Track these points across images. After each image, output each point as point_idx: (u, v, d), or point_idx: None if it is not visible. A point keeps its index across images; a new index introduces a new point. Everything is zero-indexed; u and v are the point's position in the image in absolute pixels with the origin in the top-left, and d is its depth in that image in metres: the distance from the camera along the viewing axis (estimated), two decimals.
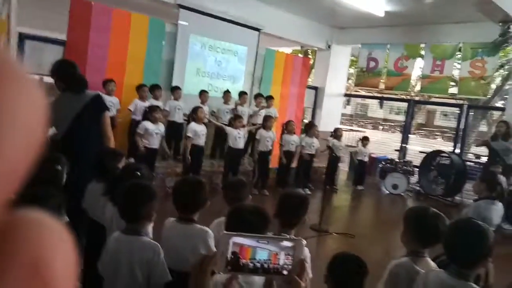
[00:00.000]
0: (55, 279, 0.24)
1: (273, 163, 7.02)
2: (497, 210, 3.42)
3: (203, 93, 6.93)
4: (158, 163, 5.96)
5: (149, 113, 5.53)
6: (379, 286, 1.94)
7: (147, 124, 5.40)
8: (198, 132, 5.81)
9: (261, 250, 0.90)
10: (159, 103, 6.30)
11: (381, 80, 9.46)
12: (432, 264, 1.91)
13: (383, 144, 10.80)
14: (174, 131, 6.59)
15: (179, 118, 6.65)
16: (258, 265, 0.90)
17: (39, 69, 5.89)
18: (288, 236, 1.98)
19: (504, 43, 6.43)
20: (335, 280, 1.77)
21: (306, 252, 2.12)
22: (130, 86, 6.30)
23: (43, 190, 1.79)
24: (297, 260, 0.90)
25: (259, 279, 1.24)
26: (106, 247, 1.90)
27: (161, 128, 5.60)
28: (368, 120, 23.55)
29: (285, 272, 0.90)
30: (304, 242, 0.94)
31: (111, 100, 5.57)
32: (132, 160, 5.35)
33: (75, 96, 2.97)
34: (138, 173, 2.21)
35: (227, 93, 7.30)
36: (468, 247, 1.65)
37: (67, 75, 3.00)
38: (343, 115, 14.56)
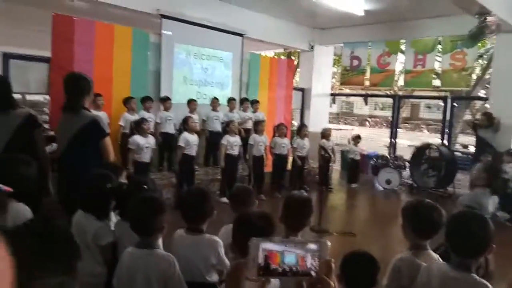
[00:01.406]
0: None
1: (267, 167, 7.04)
2: (493, 198, 3.49)
3: (191, 102, 6.92)
4: (153, 175, 5.93)
5: (137, 126, 5.50)
6: (383, 281, 1.97)
7: (138, 139, 5.37)
8: (190, 141, 5.79)
9: (289, 254, 0.92)
10: (150, 115, 6.27)
11: (365, 78, 9.59)
12: (435, 256, 1.96)
13: (372, 140, 10.93)
14: (167, 143, 6.56)
15: (170, 129, 6.63)
16: (287, 268, 0.92)
17: (25, 88, 5.83)
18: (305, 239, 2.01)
19: (480, 34, 6.56)
20: (349, 279, 1.79)
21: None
22: (119, 99, 6.26)
23: None
24: (323, 261, 0.93)
25: (275, 281, 1.26)
26: (121, 262, 1.89)
27: (151, 141, 5.58)
28: (354, 117, 23.83)
29: (313, 273, 0.92)
30: (329, 243, 0.97)
31: (100, 115, 5.51)
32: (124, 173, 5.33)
33: (73, 117, 2.92)
34: (145, 187, 2.20)
35: (215, 100, 7.32)
36: (470, 237, 1.69)
37: None
38: (329, 114, 14.72)
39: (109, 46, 6.31)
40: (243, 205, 2.34)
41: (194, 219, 2.13)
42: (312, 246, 0.94)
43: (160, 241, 2.21)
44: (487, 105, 8.06)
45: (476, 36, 6.44)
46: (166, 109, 6.67)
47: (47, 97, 7.07)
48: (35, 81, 5.89)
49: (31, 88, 6.00)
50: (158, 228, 1.89)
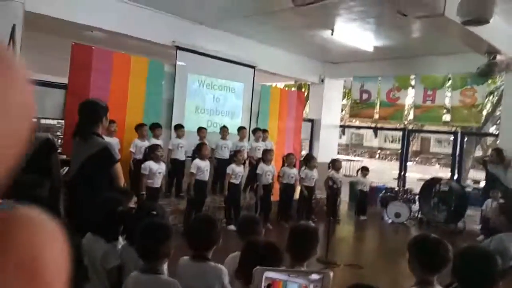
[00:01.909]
0: (48, 277, 0.26)
1: (274, 196, 7.03)
2: None
3: (201, 130, 7.05)
4: (161, 201, 5.96)
5: (151, 152, 5.61)
6: None
7: (151, 164, 5.47)
8: (202, 168, 5.86)
9: (292, 283, 0.95)
10: (159, 141, 6.38)
11: (375, 111, 9.66)
12: None
13: (381, 172, 10.87)
14: (176, 169, 6.64)
15: (181, 155, 6.73)
16: None
17: (42, 113, 6.01)
18: (314, 269, 2.01)
19: (489, 72, 6.63)
20: None
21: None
22: (131, 126, 6.41)
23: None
24: None
25: None
26: (125, 287, 1.91)
27: (162, 167, 5.68)
28: (364, 149, 23.77)
29: None
30: (332, 274, 1.00)
31: (112, 142, 5.62)
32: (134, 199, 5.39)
33: (85, 143, 3.01)
34: (154, 212, 2.25)
35: (224, 128, 7.43)
36: (478, 273, 1.69)
37: None
38: (339, 145, 14.74)
39: (125, 75, 6.54)
40: (250, 234, 2.35)
41: (200, 246, 2.15)
42: (315, 276, 0.97)
43: (165, 267, 2.24)
44: (498, 142, 8.02)
45: (485, 74, 6.51)
46: (179, 136, 6.80)
47: (61, 121, 7.26)
48: (52, 106, 6.08)
49: (47, 113, 6.18)
50: (164, 253, 1.92)
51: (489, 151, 7.24)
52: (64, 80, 6.14)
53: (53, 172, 3.05)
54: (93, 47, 6.34)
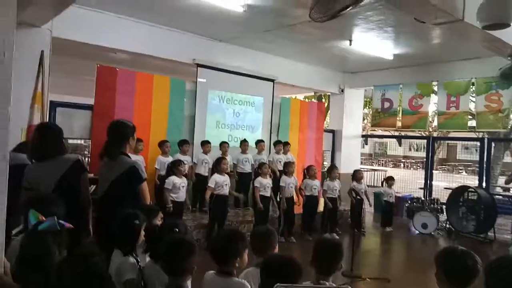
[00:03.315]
0: None
1: (298, 209, 7.01)
2: None
3: (223, 144, 7.14)
4: (185, 216, 6.06)
5: (173, 167, 5.73)
6: None
7: (174, 179, 5.59)
8: (220, 182, 5.93)
9: None
10: (187, 157, 6.53)
11: (398, 119, 9.54)
12: None
13: (407, 182, 10.65)
14: (200, 184, 6.73)
15: (205, 171, 6.84)
16: None
17: (70, 134, 6.24)
18: (330, 285, 2.01)
19: (511, 75, 6.45)
20: None
21: None
22: (155, 143, 6.58)
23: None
24: None
25: None
26: None
27: (185, 181, 5.83)
28: (388, 158, 23.36)
29: None
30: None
31: (137, 159, 5.76)
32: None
33: (113, 162, 3.12)
34: (176, 230, 2.30)
35: (244, 142, 7.49)
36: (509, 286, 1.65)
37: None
38: (362, 154, 14.56)
39: (148, 94, 6.73)
40: (264, 247, 2.36)
41: (223, 261, 2.18)
42: None
43: (189, 283, 2.28)
44: None
45: (508, 77, 6.35)
46: (206, 152, 6.93)
47: (88, 140, 7.50)
48: (79, 127, 6.31)
49: (75, 133, 6.41)
50: (187, 269, 1.96)
51: None
52: (91, 101, 6.38)
53: (82, 192, 3.16)
54: (117, 69, 6.56)
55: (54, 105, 6.13)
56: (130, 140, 3.22)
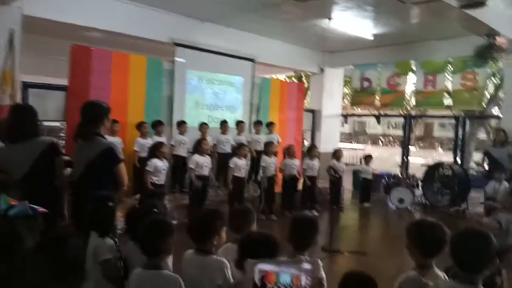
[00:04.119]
0: None
1: (278, 187, 7.09)
2: None
3: (203, 125, 7.09)
4: (166, 197, 6.04)
5: (155, 150, 5.67)
6: None
7: (156, 162, 5.54)
8: (200, 163, 5.92)
9: (284, 274, 1.00)
10: (162, 138, 6.43)
11: (376, 98, 9.65)
12: (440, 274, 1.98)
13: (385, 159, 10.88)
14: (179, 165, 6.70)
15: (183, 152, 6.79)
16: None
17: (44, 116, 6.07)
18: (304, 258, 2.06)
19: (487, 52, 6.57)
20: None
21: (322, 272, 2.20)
22: (133, 125, 6.47)
23: None
24: (316, 279, 1.00)
25: None
26: (128, 283, 1.97)
27: (166, 164, 5.78)
28: (367, 137, 23.71)
29: None
30: (321, 263, 1.04)
31: (115, 141, 5.66)
32: (138, 196, 5.48)
33: (88, 144, 3.05)
34: (155, 210, 2.31)
35: (224, 123, 7.46)
36: (474, 253, 1.75)
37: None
38: (341, 133, 14.72)
39: (124, 74, 6.58)
40: (242, 225, 2.39)
41: (200, 239, 2.20)
42: (306, 265, 1.01)
43: (170, 262, 2.30)
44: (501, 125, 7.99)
45: (482, 55, 6.47)
46: (182, 132, 6.86)
47: (64, 122, 7.33)
48: (53, 108, 6.15)
49: (49, 115, 6.25)
50: (165, 249, 1.98)
51: (491, 134, 7.18)
52: (65, 82, 6.19)
53: (57, 175, 3.10)
54: (92, 48, 6.37)
55: (26, 86, 5.94)
56: (105, 121, 3.15)
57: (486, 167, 7.02)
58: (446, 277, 1.95)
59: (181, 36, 7.14)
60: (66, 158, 4.11)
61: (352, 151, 14.95)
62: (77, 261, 1.35)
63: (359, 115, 16.38)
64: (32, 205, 2.22)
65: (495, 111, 12.59)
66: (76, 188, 3.14)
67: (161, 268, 1.99)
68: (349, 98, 13.16)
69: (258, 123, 7.93)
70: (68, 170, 3.36)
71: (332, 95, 10.41)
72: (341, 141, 12.92)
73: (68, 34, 7.11)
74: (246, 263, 0.98)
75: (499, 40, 6.37)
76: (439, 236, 2.00)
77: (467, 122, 9.17)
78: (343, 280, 1.86)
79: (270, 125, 7.99)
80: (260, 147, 7.51)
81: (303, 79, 15.43)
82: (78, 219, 3.08)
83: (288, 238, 2.25)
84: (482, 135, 14.28)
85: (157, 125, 6.59)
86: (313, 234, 2.25)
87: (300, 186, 7.34)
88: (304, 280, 1.00)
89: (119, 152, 3.15)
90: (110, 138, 4.53)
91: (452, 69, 8.35)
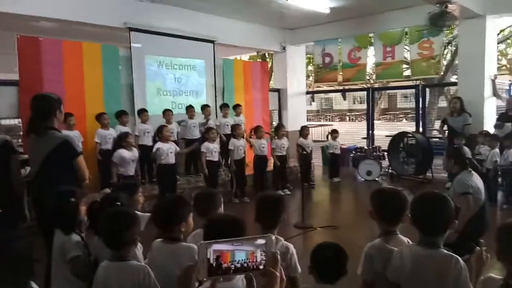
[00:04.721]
0: None
1: (249, 170, 7.08)
2: (478, 177, 3.50)
3: (166, 112, 6.92)
4: None
5: (122, 140, 5.51)
6: (359, 269, 2.04)
7: (123, 153, 5.39)
8: (165, 150, 5.80)
9: (239, 252, 0.98)
10: (126, 128, 6.25)
11: (339, 74, 9.74)
12: (404, 240, 2.04)
13: (353, 134, 11.08)
14: (145, 155, 6.53)
15: (148, 141, 6.60)
16: (239, 265, 0.97)
17: None
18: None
19: (439, 19, 6.68)
20: (317, 269, 1.87)
21: (290, 248, 2.20)
22: (92, 116, 6.23)
23: None
24: (270, 254, 0.99)
25: (238, 282, 1.31)
26: (96, 277, 1.91)
27: (135, 153, 5.65)
28: (334, 113, 24.06)
29: (261, 267, 0.98)
30: (273, 237, 1.03)
31: (73, 135, 5.43)
32: (107, 190, 5.31)
33: (42, 139, 2.90)
34: (118, 203, 2.23)
35: (190, 108, 7.33)
36: (432, 216, 1.80)
37: None
38: (309, 111, 14.84)
39: (78, 64, 6.29)
40: (208, 209, 2.36)
41: (168, 227, 2.14)
42: (260, 241, 0.99)
43: (139, 253, 2.24)
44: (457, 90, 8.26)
45: (436, 22, 6.58)
46: (144, 121, 6.68)
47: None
48: (6, 105, 5.81)
49: (2, 112, 5.91)
50: (129, 240, 1.91)
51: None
52: (15, 77, 5.85)
53: (13, 175, 2.94)
54: (41, 38, 6.02)
55: None
56: (57, 114, 2.99)
57: (445, 135, 7.24)
58: (410, 242, 2.00)
59: (135, 21, 6.86)
60: (25, 156, 3.92)
61: (321, 128, 15.14)
62: (23, 259, 1.28)
63: (324, 91, 16.55)
64: None
65: (453, 79, 13.04)
66: (33, 186, 2.99)
67: (127, 259, 1.93)
68: (313, 76, 13.25)
69: (224, 106, 7.84)
70: (27, 169, 3.21)
71: (295, 73, 10.42)
72: (309, 119, 13.04)
73: (14, 26, 6.69)
74: (199, 245, 0.94)
75: (451, 7, 6.51)
76: (398, 202, 2.06)
77: (427, 91, 9.42)
78: (314, 251, 1.90)
79: (236, 107, 7.92)
80: (229, 130, 7.44)
81: (267, 59, 15.36)
82: (40, 218, 2.96)
83: (256, 219, 2.24)
84: (442, 103, 14.77)
85: (121, 115, 6.39)
86: (279, 212, 2.25)
87: (271, 166, 7.37)
88: (259, 255, 0.98)
89: (76, 145, 3.02)
90: (67, 133, 4.34)
91: (408, 39, 8.51)
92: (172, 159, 5.87)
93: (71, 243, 2.30)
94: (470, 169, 3.53)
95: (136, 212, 2.80)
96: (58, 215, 2.36)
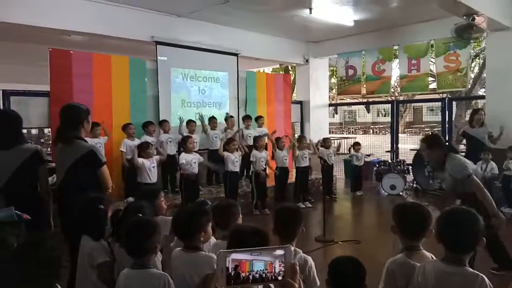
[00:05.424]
0: None
1: (270, 181, 7.08)
2: (462, 158, 3.34)
3: (190, 123, 7.04)
4: None
5: (141, 150, 5.66)
6: (380, 285, 1.99)
7: (143, 161, 5.56)
8: (189, 161, 5.90)
9: (257, 262, 0.98)
10: (153, 138, 6.42)
11: (362, 86, 9.66)
12: (428, 255, 1.98)
13: (376, 147, 10.92)
14: (168, 164, 6.65)
15: (171, 150, 6.73)
16: (257, 275, 0.98)
17: (28, 123, 5.98)
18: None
19: (466, 31, 6.55)
20: (335, 282, 1.84)
21: (309, 260, 2.19)
22: (119, 126, 6.40)
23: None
24: (289, 265, 0.99)
25: None
26: (117, 284, 1.95)
27: (154, 162, 5.79)
28: (358, 126, 23.79)
29: (280, 278, 0.98)
30: (292, 248, 1.03)
31: (99, 142, 5.56)
32: (131, 199, 5.42)
33: (69, 148, 2.99)
34: (140, 214, 2.27)
35: (213, 119, 7.43)
36: (460, 233, 1.73)
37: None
38: (332, 124, 14.73)
39: (107, 76, 6.49)
40: (226, 220, 2.37)
41: (187, 236, 2.17)
42: (279, 252, 1.00)
43: (158, 261, 2.28)
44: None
45: (462, 34, 6.46)
46: (166, 131, 6.80)
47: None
48: (37, 115, 6.05)
49: (33, 122, 6.15)
50: (150, 249, 1.95)
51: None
52: (46, 88, 6.09)
53: (41, 184, 3.04)
54: (71, 51, 6.27)
55: (7, 94, 5.83)
56: (85, 124, 3.09)
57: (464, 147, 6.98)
58: (434, 257, 1.95)
59: (161, 34, 7.06)
60: (53, 165, 4.05)
61: (344, 141, 15.00)
62: (51, 262, 1.32)
63: (348, 104, 16.42)
64: (17, 212, 2.19)
65: (482, 92, 12.72)
66: (58, 194, 3.09)
67: (148, 267, 1.97)
68: (336, 88, 13.21)
69: (247, 117, 7.90)
70: (54, 177, 3.31)
71: (318, 85, 10.41)
72: (332, 131, 12.96)
73: (46, 39, 6.99)
74: (218, 254, 0.95)
75: (478, 20, 6.38)
76: (421, 217, 2.01)
77: (454, 104, 9.21)
78: (331, 264, 1.88)
79: (258, 119, 7.97)
80: (251, 141, 7.48)
81: (290, 71, 15.41)
82: (66, 225, 3.04)
83: (274, 230, 2.24)
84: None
85: (148, 125, 6.56)
86: (296, 224, 2.24)
87: (292, 178, 7.34)
88: (277, 266, 0.98)
89: (101, 155, 3.09)
90: (92, 140, 4.45)
91: (434, 52, 8.38)
92: (195, 169, 5.96)
93: (100, 248, 2.34)
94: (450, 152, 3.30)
95: (162, 216, 2.86)
96: (88, 220, 2.40)
